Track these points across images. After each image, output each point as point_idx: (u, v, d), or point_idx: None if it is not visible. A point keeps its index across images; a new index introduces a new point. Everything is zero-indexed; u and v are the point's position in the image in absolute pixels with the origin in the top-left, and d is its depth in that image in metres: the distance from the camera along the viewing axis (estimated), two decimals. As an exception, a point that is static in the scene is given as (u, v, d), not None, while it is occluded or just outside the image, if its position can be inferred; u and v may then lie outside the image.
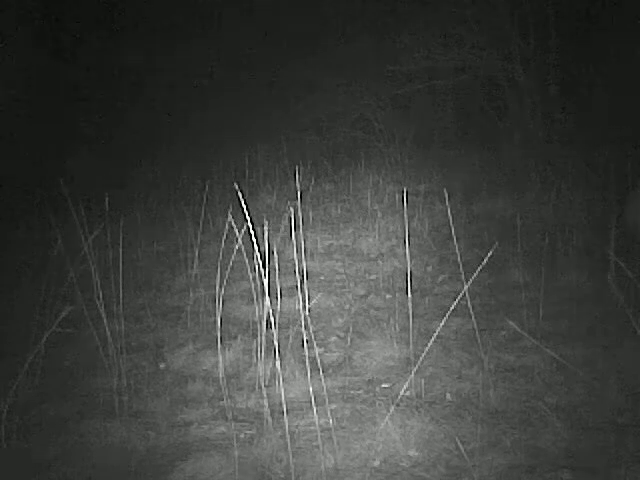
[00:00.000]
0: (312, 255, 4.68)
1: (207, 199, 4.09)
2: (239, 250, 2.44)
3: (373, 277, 4.31)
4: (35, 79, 8.27)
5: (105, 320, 2.79)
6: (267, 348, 2.71)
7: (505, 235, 4.23)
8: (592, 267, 3.72)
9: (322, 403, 2.51)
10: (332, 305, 3.88)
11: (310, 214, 5.52)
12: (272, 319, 2.24)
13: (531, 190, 5.55)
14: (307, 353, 2.56)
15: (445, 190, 3.26)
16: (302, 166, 6.15)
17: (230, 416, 2.62)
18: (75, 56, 8.37)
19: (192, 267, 3.83)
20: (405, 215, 3.32)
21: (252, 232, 2.22)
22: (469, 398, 2.70)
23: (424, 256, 4.54)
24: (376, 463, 2.30)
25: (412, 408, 2.59)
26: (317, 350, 3.12)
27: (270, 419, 2.47)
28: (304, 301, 3.44)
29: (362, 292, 4.08)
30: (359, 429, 2.49)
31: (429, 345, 2.43)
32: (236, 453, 2.32)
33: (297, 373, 2.91)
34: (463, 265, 2.81)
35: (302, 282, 3.37)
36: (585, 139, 5.99)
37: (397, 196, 5.36)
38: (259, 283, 2.46)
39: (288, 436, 2.24)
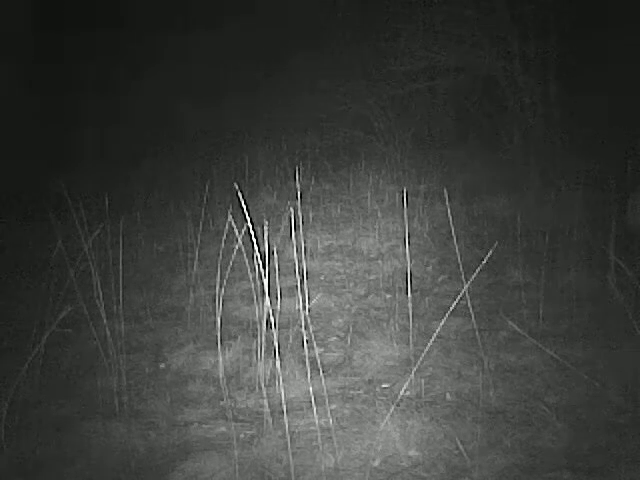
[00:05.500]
0: (312, 255, 4.67)
1: (207, 199, 4.09)
2: (239, 250, 2.44)
3: (373, 277, 4.30)
4: (35, 79, 8.27)
5: (105, 320, 2.79)
6: (267, 348, 2.71)
7: (505, 235, 4.23)
8: (592, 267, 3.72)
9: (322, 403, 2.51)
10: (332, 305, 3.88)
11: (310, 214, 5.52)
12: (272, 319, 2.25)
13: (531, 190, 5.55)
14: (307, 353, 2.56)
15: (445, 190, 3.26)
16: (302, 166, 6.16)
17: (230, 416, 2.62)
18: (75, 55, 8.37)
19: (192, 267, 3.83)
20: (405, 215, 3.33)
21: (252, 232, 2.23)
22: (469, 398, 2.70)
23: (424, 256, 4.54)
24: (376, 463, 2.30)
25: (412, 408, 2.59)
26: (317, 350, 3.12)
27: (270, 419, 2.47)
28: (304, 301, 3.44)
29: (362, 292, 4.08)
30: (359, 429, 2.49)
31: (429, 345, 2.43)
32: (236, 453, 2.32)
33: (297, 373, 2.91)
34: (463, 265, 2.81)
35: (302, 282, 3.38)
36: (585, 139, 5.99)
37: (397, 196, 5.36)
38: (259, 283, 2.46)
39: (288, 436, 2.24)
